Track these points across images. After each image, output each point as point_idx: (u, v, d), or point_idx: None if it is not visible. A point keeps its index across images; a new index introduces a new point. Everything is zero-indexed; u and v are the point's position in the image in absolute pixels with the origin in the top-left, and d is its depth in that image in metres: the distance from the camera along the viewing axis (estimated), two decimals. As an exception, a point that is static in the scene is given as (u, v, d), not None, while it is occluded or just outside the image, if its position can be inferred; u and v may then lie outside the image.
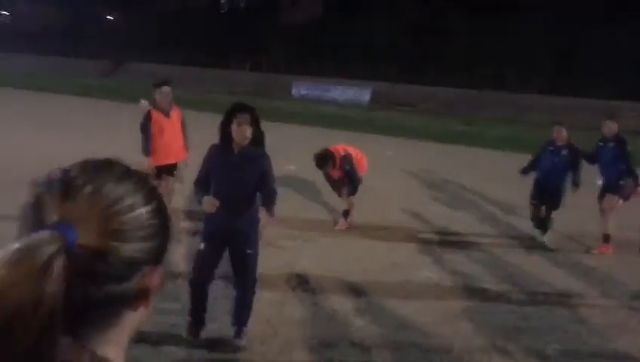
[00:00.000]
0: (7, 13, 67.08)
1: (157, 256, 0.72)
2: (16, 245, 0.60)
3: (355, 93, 34.20)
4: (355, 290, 5.32)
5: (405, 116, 28.51)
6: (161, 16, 52.80)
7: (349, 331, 4.45)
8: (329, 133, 18.95)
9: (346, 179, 7.44)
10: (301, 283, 5.44)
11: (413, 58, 35.25)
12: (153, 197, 0.72)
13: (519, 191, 7.99)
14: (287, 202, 8.53)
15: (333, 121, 23.12)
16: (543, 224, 7.34)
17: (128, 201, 0.68)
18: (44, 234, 0.61)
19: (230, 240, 3.96)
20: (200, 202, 3.85)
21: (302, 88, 36.69)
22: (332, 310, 4.84)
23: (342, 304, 4.97)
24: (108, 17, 59.79)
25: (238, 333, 4.04)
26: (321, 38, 41.14)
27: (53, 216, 0.64)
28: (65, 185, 0.66)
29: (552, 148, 7.31)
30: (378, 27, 38.85)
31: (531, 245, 7.20)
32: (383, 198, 9.34)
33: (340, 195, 7.72)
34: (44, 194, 0.66)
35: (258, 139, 3.93)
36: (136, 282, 0.69)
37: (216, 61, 42.25)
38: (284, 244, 6.60)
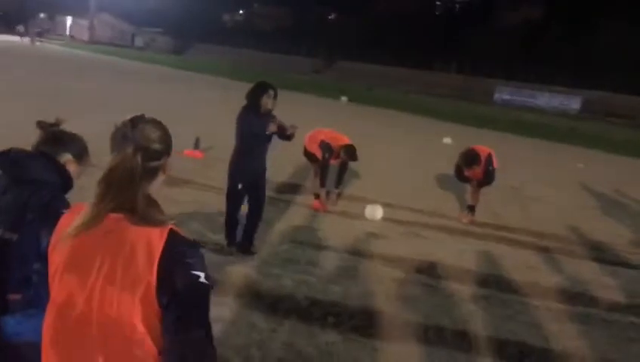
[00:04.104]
0: (242, 12, 75.37)
1: (167, 151, 1.59)
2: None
3: (563, 101, 32.01)
4: (481, 282, 5.35)
5: (617, 128, 26.05)
6: (378, 17, 54.78)
7: (457, 316, 4.62)
8: (527, 142, 18.27)
9: (483, 178, 7.48)
10: (429, 268, 5.63)
11: (637, 67, 31.85)
12: (162, 128, 1.58)
13: None
14: (451, 202, 8.75)
15: (533, 129, 22.09)
16: None
17: (153, 130, 1.55)
18: (127, 140, 1.48)
19: (255, 178, 5.23)
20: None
21: (505, 93, 35.50)
22: (448, 295, 4.98)
23: (460, 291, 5.07)
24: (329, 17, 63.76)
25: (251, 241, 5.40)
26: (534, 42, 39.13)
27: (129, 134, 1.49)
28: (132, 123, 1.51)
29: None
30: (600, 32, 35.81)
31: None
32: (551, 209, 8.98)
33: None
34: (127, 125, 1.51)
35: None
36: (162, 161, 1.56)
37: (421, 62, 42.70)
38: (428, 235, 6.87)
